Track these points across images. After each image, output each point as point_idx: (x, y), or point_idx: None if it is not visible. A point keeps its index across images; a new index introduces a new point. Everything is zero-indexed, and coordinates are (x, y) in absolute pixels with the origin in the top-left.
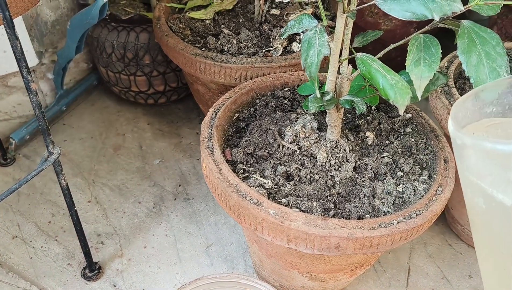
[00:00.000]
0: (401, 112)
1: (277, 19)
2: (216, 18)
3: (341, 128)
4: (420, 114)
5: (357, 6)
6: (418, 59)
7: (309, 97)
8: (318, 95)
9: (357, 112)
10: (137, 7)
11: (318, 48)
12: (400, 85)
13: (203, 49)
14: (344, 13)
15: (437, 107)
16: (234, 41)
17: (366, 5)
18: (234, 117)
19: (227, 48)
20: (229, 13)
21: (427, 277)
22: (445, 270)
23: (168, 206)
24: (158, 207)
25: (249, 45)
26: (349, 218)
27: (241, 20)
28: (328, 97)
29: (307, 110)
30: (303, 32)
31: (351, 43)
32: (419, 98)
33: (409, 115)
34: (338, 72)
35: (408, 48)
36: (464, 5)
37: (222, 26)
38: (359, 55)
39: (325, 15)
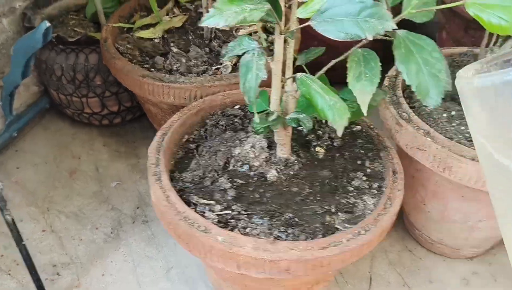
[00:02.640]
0: (339, 133)
1: (227, 34)
2: (166, 36)
3: (291, 144)
4: (370, 126)
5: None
6: (359, 74)
7: (254, 118)
8: (257, 120)
9: (303, 129)
10: (86, 27)
11: (255, 72)
12: (338, 106)
13: (152, 69)
14: (281, 34)
15: (387, 117)
16: (183, 60)
17: (303, 25)
18: (184, 139)
19: (176, 67)
20: (179, 31)
21: (389, 286)
22: (406, 277)
23: (127, 230)
24: (116, 232)
25: (199, 63)
26: (300, 239)
27: (190, 37)
28: (273, 117)
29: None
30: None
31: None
32: (365, 113)
33: (358, 127)
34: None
35: (348, 65)
36: (399, 14)
37: (172, 44)
38: (298, 75)
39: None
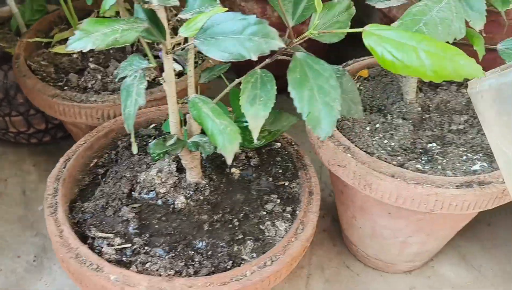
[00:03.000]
0: (229, 161)
1: (149, 47)
2: (85, 51)
3: (206, 165)
4: (291, 142)
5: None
6: (254, 97)
7: (149, 143)
8: (135, 151)
9: (203, 155)
10: (11, 41)
11: (135, 98)
12: (229, 130)
13: (65, 88)
14: (167, 54)
15: (310, 133)
16: (99, 76)
17: (187, 45)
18: (92, 164)
19: (91, 84)
20: None
21: None
22: None
23: (51, 257)
24: (39, 260)
25: (117, 80)
26: (202, 273)
27: (111, 51)
28: (171, 142)
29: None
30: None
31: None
32: (255, 140)
33: (278, 144)
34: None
35: (242, 86)
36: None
37: (91, 59)
38: (191, 98)
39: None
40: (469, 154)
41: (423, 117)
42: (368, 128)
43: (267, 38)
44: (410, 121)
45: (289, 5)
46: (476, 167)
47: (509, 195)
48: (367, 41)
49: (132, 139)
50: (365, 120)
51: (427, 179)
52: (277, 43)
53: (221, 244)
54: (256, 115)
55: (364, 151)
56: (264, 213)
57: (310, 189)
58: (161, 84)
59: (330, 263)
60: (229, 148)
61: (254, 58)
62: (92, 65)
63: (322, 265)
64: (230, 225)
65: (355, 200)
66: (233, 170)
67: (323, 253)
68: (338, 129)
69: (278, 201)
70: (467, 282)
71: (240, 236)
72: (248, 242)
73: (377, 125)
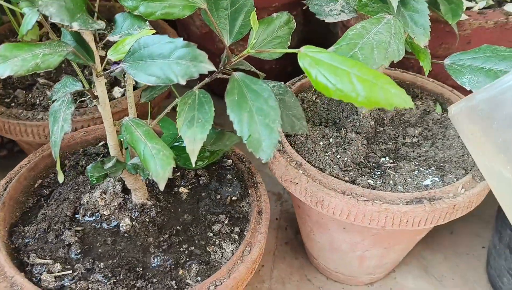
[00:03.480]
0: (161, 187)
1: (102, 61)
2: (2, 77)
3: (150, 186)
4: (242, 159)
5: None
6: (191, 119)
7: (87, 166)
8: (61, 180)
9: (141, 177)
10: None
11: (61, 124)
12: (161, 155)
13: (12, 104)
14: (98, 76)
15: None
16: (48, 92)
17: (114, 68)
18: (36, 184)
19: (39, 101)
20: None
21: None
22: None
23: None
24: None
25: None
26: None
27: (63, 65)
28: (109, 164)
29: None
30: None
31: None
32: (193, 165)
33: (229, 161)
34: None
35: (178, 108)
36: None
37: (41, 73)
38: (125, 120)
39: None
40: (421, 168)
41: (377, 130)
42: (321, 143)
43: (195, 61)
44: (364, 135)
45: (225, 22)
46: (428, 182)
47: (460, 210)
48: (301, 62)
49: (58, 168)
50: (319, 134)
51: (377, 195)
52: (206, 66)
53: (165, 268)
54: (194, 137)
55: (316, 167)
56: (211, 234)
57: (260, 208)
58: (114, 98)
59: (291, 277)
60: (161, 173)
61: (183, 82)
62: (41, 80)
63: (283, 279)
64: (176, 248)
65: (311, 215)
66: (181, 189)
67: (285, 267)
68: (290, 144)
69: (226, 221)
70: None
71: (186, 259)
72: (194, 265)
73: (331, 140)
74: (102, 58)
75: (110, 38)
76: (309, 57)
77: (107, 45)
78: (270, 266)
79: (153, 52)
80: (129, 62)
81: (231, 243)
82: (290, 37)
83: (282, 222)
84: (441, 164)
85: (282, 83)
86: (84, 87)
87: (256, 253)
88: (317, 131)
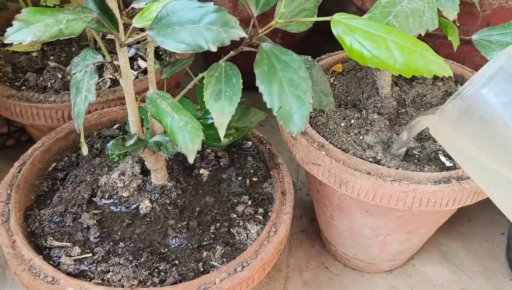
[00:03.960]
0: (190, 160)
1: (114, 44)
2: (46, 48)
3: (172, 166)
4: (262, 140)
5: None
6: (218, 92)
7: (108, 144)
8: (85, 152)
9: (166, 155)
10: None
11: (85, 94)
12: (189, 127)
13: (23, 88)
14: (121, 46)
15: (283, 131)
16: (59, 75)
17: (140, 36)
18: (51, 168)
19: (50, 84)
20: (61, 42)
21: None
22: None
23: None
24: (1, 270)
25: (69, 76)
26: (168, 282)
27: (74, 49)
28: (131, 142)
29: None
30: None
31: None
32: (222, 139)
33: (249, 143)
34: None
35: (205, 81)
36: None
37: (52, 57)
38: (149, 93)
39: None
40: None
41: (399, 111)
42: (343, 124)
43: (226, 26)
44: (386, 116)
45: None
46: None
47: None
48: (335, 30)
49: (82, 140)
50: (340, 115)
51: (404, 175)
52: (238, 32)
53: (188, 251)
54: (222, 111)
55: (339, 148)
56: (235, 215)
57: (283, 189)
58: None
59: (308, 265)
60: (190, 146)
61: (214, 49)
62: (52, 64)
63: (300, 267)
64: (199, 230)
65: (332, 199)
66: (201, 171)
67: (301, 255)
68: (311, 126)
69: (250, 202)
70: (448, 280)
71: (209, 241)
72: (218, 247)
73: (352, 121)
74: (126, 28)
75: (135, 5)
76: (343, 24)
77: (130, 14)
78: (287, 254)
79: (181, 18)
80: (156, 30)
81: (256, 224)
82: (317, 10)
83: (297, 211)
84: None
85: (309, 56)
86: (105, 58)
87: (282, 233)
88: (338, 113)
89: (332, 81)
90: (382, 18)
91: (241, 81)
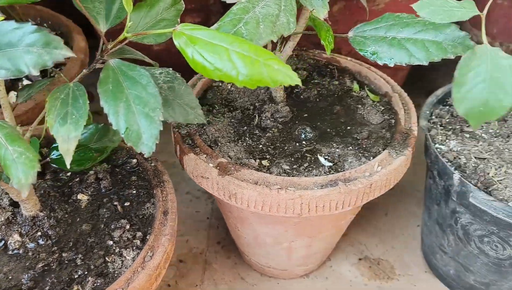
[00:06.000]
0: (23, 194)
1: None
2: None
3: (49, 193)
4: (148, 157)
5: None
6: (64, 115)
7: None
8: None
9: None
10: None
11: None
12: (23, 159)
13: None
14: None
15: (174, 144)
16: None
17: None
18: None
19: None
20: None
21: None
22: None
23: None
24: None
25: None
26: None
27: None
28: None
29: None
30: None
31: None
32: (68, 166)
33: (134, 161)
34: None
35: (48, 104)
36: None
37: None
38: None
39: None
40: (338, 149)
41: (294, 114)
42: (234, 132)
43: (48, 47)
44: (280, 120)
45: (100, 7)
46: (346, 162)
47: (378, 189)
48: (177, 41)
49: None
50: (233, 123)
51: (291, 182)
52: (62, 53)
53: (59, 286)
54: (68, 135)
55: (228, 158)
56: (111, 242)
57: (165, 209)
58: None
59: (224, 277)
60: (23, 180)
61: (35, 73)
62: None
63: (215, 280)
64: (72, 262)
65: (231, 210)
66: (80, 196)
67: (217, 267)
68: (200, 136)
69: (128, 226)
70: (365, 278)
71: (82, 273)
72: (90, 279)
73: (245, 128)
74: None
75: None
76: (185, 35)
77: None
78: (201, 268)
79: (3, 41)
80: None
81: (133, 250)
82: (179, 19)
83: (214, 221)
84: (359, 143)
85: (170, 69)
86: None
87: (159, 257)
88: (232, 120)
89: (229, 87)
90: (231, 26)
91: (88, 102)
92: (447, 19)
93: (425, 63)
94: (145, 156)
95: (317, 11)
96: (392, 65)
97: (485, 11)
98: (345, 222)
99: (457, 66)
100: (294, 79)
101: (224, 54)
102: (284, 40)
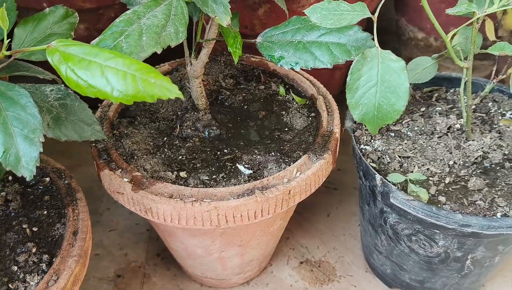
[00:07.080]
0: None
1: None
2: None
3: None
4: (62, 175)
5: None
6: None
7: None
8: None
9: None
10: None
11: None
12: None
13: None
14: None
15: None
16: None
17: None
18: None
19: None
20: None
21: None
22: None
23: None
24: None
25: None
26: None
27: None
28: None
29: None
30: None
31: None
32: None
33: (47, 179)
34: None
35: None
36: None
37: None
38: None
39: None
40: (259, 156)
41: (217, 122)
42: (153, 144)
43: None
44: (202, 129)
45: None
46: (266, 168)
47: (298, 195)
48: (50, 59)
49: None
50: (153, 135)
51: (206, 193)
52: None
53: None
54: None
55: (144, 172)
56: (16, 268)
57: (76, 229)
58: None
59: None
60: None
61: None
62: None
63: None
64: None
65: (158, 224)
66: None
67: (156, 280)
68: (116, 150)
69: (35, 249)
70: (305, 282)
71: None
72: None
73: (165, 139)
74: None
75: None
76: (58, 52)
77: None
78: (139, 282)
79: None
80: None
81: (37, 274)
82: (73, 33)
83: (153, 233)
84: (281, 148)
85: (62, 85)
86: None
87: (65, 281)
88: (152, 131)
89: None
90: (111, 40)
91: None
92: (337, 24)
93: (330, 66)
94: (27, 179)
95: (220, 18)
96: (298, 69)
97: (376, 14)
98: (277, 228)
99: (349, 71)
100: (173, 92)
101: (97, 70)
102: (197, 47)
